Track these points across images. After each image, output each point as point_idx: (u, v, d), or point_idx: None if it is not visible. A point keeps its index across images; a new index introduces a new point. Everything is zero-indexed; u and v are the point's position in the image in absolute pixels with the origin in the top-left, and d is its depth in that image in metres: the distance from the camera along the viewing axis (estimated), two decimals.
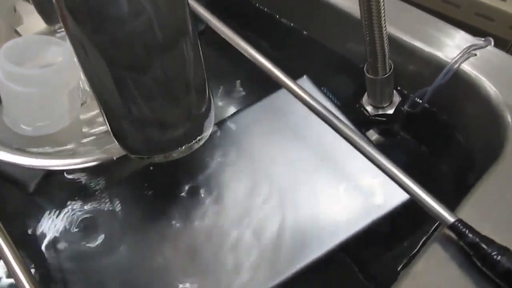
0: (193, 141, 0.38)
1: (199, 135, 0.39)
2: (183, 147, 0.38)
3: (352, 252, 0.44)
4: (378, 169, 0.43)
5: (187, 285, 0.40)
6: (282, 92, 0.49)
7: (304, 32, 0.57)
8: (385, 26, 0.39)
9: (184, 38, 0.31)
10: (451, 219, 0.33)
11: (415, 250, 0.41)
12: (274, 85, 0.49)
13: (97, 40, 0.29)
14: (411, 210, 0.43)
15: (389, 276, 0.43)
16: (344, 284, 0.44)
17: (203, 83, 0.36)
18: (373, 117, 0.49)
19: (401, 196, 0.43)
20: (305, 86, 0.46)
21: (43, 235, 0.46)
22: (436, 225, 0.42)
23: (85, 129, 0.49)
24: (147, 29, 0.29)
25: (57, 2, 0.28)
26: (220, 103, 0.55)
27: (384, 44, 0.41)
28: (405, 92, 0.50)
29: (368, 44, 0.41)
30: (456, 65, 0.44)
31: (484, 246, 0.31)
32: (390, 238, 0.45)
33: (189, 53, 0.32)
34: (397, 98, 0.48)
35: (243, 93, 0.55)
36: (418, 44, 0.47)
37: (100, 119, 0.49)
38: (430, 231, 0.42)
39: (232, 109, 0.54)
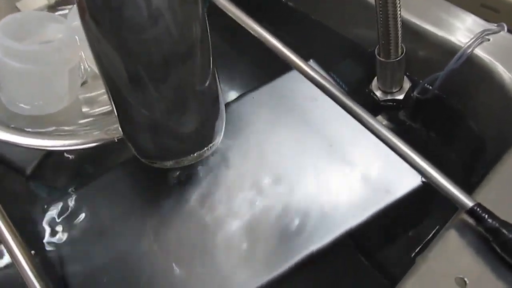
0: (205, 149, 0.38)
1: (211, 143, 0.38)
2: (195, 154, 0.38)
3: (360, 239, 0.43)
4: (388, 155, 0.42)
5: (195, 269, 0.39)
6: (291, 75, 0.48)
7: (312, 17, 0.56)
8: (399, 5, 0.38)
9: (200, 46, 0.31)
10: (469, 203, 0.32)
11: (429, 237, 0.40)
12: (279, 70, 0.49)
13: (115, 44, 0.29)
14: (421, 197, 0.42)
15: (398, 264, 0.42)
16: (352, 272, 0.43)
17: (217, 90, 0.35)
18: (382, 102, 0.47)
19: (412, 182, 0.41)
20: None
21: (40, 220, 0.44)
22: (446, 212, 0.42)
23: (85, 109, 0.47)
24: (165, 35, 0.28)
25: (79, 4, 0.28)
26: (225, 87, 0.53)
27: (398, 25, 0.40)
28: (415, 78, 0.49)
29: (381, 25, 0.40)
30: (470, 50, 0.43)
31: (504, 231, 0.30)
32: (400, 226, 0.44)
33: (204, 60, 0.32)
34: (407, 84, 0.47)
35: (249, 76, 0.54)
36: (429, 28, 0.46)
37: (100, 99, 0.47)
38: (442, 218, 0.41)
39: (237, 93, 0.52)
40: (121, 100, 0.34)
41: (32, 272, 0.29)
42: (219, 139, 0.39)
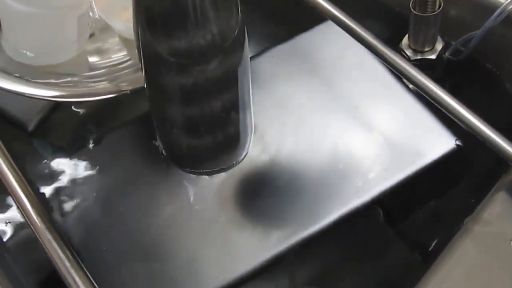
0: (233, 162, 0.36)
1: (241, 157, 0.37)
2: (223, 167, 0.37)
3: (388, 207, 0.40)
4: (420, 116, 0.40)
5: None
6: (315, 31, 0.46)
7: None
8: None
9: (241, 60, 0.30)
10: None
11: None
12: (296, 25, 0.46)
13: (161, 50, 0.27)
14: (455, 162, 0.40)
15: (427, 234, 0.40)
16: (378, 240, 0.41)
17: (250, 100, 0.34)
18: (412, 62, 0.45)
19: (446, 145, 0.39)
20: (334, 29, 0.42)
21: (43, 177, 0.41)
22: (480, 180, 0.39)
23: (92, 60, 0.43)
24: (208, 40, 0.27)
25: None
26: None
27: None
28: (446, 38, 0.46)
29: None
30: (511, 7, 0.40)
31: None
32: (430, 193, 0.41)
33: (244, 76, 0.31)
34: (440, 44, 0.45)
35: (270, 30, 0.51)
36: None
37: (109, 49, 0.44)
38: (476, 185, 0.39)
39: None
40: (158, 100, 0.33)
41: (49, 231, 0.26)
42: (245, 154, 0.37)
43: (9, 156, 0.30)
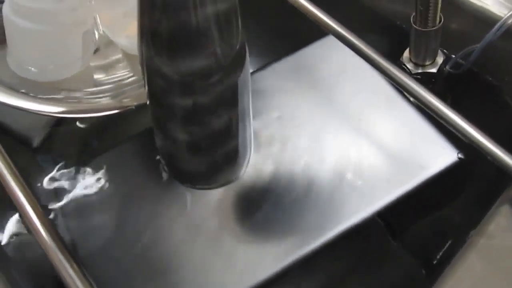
0: (234, 178, 0.37)
1: (241, 172, 0.37)
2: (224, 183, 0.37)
3: (390, 219, 0.41)
4: (422, 129, 0.40)
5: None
6: (317, 44, 0.46)
7: None
8: None
9: (242, 77, 0.30)
10: None
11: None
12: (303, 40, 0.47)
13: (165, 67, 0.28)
14: (457, 175, 0.40)
15: (431, 247, 0.40)
16: (381, 253, 0.41)
17: (250, 111, 0.34)
18: (413, 76, 0.45)
19: (448, 158, 0.39)
20: (335, 44, 0.42)
21: (48, 193, 0.41)
22: (482, 192, 0.39)
23: (97, 77, 0.44)
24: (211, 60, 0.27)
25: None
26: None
27: None
28: (446, 51, 0.47)
29: None
30: (511, 20, 0.41)
31: None
32: (433, 205, 0.42)
33: (245, 92, 0.32)
34: (440, 57, 0.45)
35: (272, 45, 0.51)
36: None
37: (114, 66, 0.44)
38: (479, 197, 0.39)
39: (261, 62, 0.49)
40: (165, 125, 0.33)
41: (52, 238, 0.26)
42: (244, 170, 0.38)
43: (17, 172, 0.30)
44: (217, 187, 0.38)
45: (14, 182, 0.28)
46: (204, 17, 0.26)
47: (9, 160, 0.30)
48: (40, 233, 0.27)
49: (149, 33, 0.27)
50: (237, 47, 0.28)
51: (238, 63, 0.29)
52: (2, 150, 0.31)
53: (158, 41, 0.27)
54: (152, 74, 0.29)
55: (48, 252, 0.26)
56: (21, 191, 0.28)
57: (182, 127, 0.32)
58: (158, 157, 0.41)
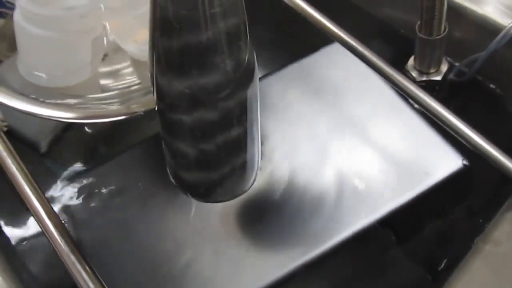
0: (242, 191, 0.37)
1: (249, 184, 0.37)
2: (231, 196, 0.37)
3: (396, 226, 0.41)
4: (427, 136, 0.41)
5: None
6: (323, 52, 0.47)
7: None
8: None
9: (251, 89, 0.30)
10: None
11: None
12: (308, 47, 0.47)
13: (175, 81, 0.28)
14: (462, 181, 0.40)
15: (436, 253, 0.40)
16: (387, 259, 0.41)
17: (258, 132, 0.35)
18: (418, 83, 0.46)
19: (453, 165, 0.40)
20: (340, 51, 0.43)
21: (55, 199, 0.41)
22: (487, 199, 0.40)
23: (104, 82, 0.44)
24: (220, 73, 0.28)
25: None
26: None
27: None
28: (449, 59, 0.47)
29: None
30: None
31: None
32: (438, 212, 0.42)
33: (254, 104, 0.32)
34: (445, 65, 0.45)
35: (277, 52, 0.52)
36: (469, 5, 0.44)
37: (121, 72, 0.45)
38: (483, 204, 0.39)
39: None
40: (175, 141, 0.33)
41: (65, 242, 0.27)
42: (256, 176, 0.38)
43: (30, 176, 0.30)
44: (225, 201, 0.39)
45: (27, 186, 0.29)
46: (215, 33, 0.26)
47: (23, 165, 0.31)
48: (54, 236, 0.27)
49: (160, 48, 0.27)
50: (246, 61, 0.28)
51: (247, 78, 0.29)
52: (16, 155, 0.31)
53: (168, 56, 0.27)
54: (162, 89, 0.30)
55: (62, 255, 0.26)
56: (35, 195, 0.28)
57: (191, 142, 0.33)
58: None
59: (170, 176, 0.38)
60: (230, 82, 0.28)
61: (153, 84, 0.30)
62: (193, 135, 0.32)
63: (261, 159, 0.39)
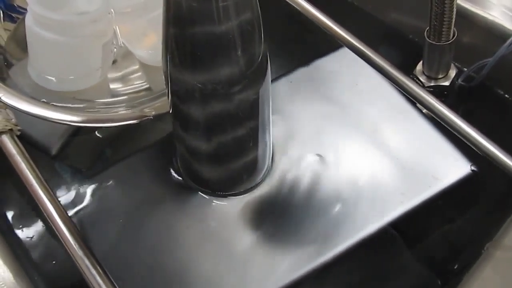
0: (252, 186, 0.38)
1: (259, 180, 0.39)
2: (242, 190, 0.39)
3: (405, 230, 0.41)
4: (435, 141, 0.41)
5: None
6: (330, 57, 0.47)
7: (349, 0, 0.54)
8: None
9: (264, 86, 0.31)
10: None
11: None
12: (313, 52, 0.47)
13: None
14: (469, 186, 0.40)
15: (445, 258, 0.40)
16: (396, 264, 0.41)
17: (270, 129, 0.36)
18: (426, 88, 0.46)
19: (461, 170, 0.40)
20: (349, 56, 0.43)
21: (66, 200, 0.42)
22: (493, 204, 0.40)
23: (113, 87, 0.45)
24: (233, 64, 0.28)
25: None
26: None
27: (454, 5, 0.38)
28: (457, 65, 0.47)
29: (436, 5, 0.38)
30: None
31: None
32: (446, 216, 0.42)
33: (266, 101, 0.33)
34: (453, 70, 0.45)
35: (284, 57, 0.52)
36: (478, 11, 0.44)
37: (130, 77, 0.45)
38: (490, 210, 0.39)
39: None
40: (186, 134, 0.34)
41: (79, 246, 0.27)
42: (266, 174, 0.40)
43: (43, 179, 0.31)
44: (235, 195, 0.39)
45: (42, 191, 0.29)
46: (228, 28, 0.26)
47: (37, 170, 0.31)
48: (68, 239, 0.27)
49: (173, 41, 0.28)
50: (260, 57, 0.29)
51: (260, 73, 0.30)
52: (30, 160, 0.32)
53: (181, 49, 0.28)
54: (176, 83, 0.30)
55: (75, 257, 0.27)
56: (49, 199, 0.29)
57: (204, 135, 0.33)
58: (175, 165, 0.42)
59: (182, 172, 0.39)
60: (243, 77, 0.29)
61: (166, 78, 0.30)
62: (206, 128, 0.32)
63: (272, 157, 0.40)
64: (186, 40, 0.27)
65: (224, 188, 0.39)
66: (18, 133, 0.33)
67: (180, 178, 0.41)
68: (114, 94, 0.45)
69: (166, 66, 0.30)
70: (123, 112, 0.40)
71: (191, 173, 0.39)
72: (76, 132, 0.46)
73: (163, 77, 0.31)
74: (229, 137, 0.33)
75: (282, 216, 0.39)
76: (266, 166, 0.39)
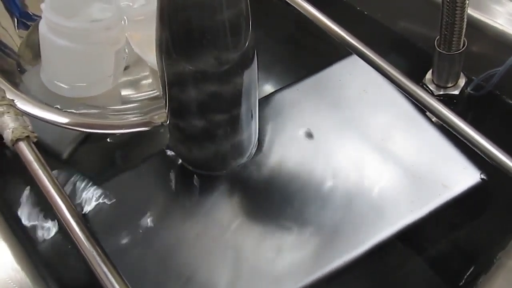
0: (244, 158, 0.40)
1: (249, 152, 0.41)
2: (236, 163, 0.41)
3: (415, 239, 0.41)
4: (444, 150, 0.41)
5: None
6: (337, 66, 0.47)
7: (358, 8, 0.54)
8: None
9: (250, 76, 0.34)
10: None
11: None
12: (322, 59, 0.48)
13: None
14: (479, 195, 0.40)
15: (455, 266, 0.40)
16: (405, 272, 0.41)
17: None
18: (436, 97, 0.46)
19: (471, 179, 0.40)
20: (358, 63, 0.43)
21: (77, 205, 0.42)
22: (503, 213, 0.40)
23: (124, 93, 0.45)
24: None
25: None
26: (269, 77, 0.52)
27: (465, 16, 0.38)
28: (467, 74, 0.47)
29: (447, 15, 0.38)
30: None
31: None
32: (457, 225, 0.42)
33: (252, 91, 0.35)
34: (463, 79, 0.46)
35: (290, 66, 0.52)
36: (488, 21, 0.44)
37: (141, 83, 0.46)
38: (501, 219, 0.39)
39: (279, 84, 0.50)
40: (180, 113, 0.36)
41: (94, 248, 0.27)
42: (255, 148, 0.41)
43: (57, 182, 0.31)
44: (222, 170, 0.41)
45: (58, 196, 0.29)
46: (219, 18, 0.29)
47: (54, 177, 0.31)
48: (83, 242, 0.27)
49: (165, 28, 0.30)
50: (245, 45, 0.32)
51: (245, 61, 0.32)
52: (47, 166, 0.32)
53: (176, 37, 0.30)
54: (170, 68, 0.33)
55: (89, 259, 0.27)
56: (65, 204, 0.29)
57: (197, 115, 0.35)
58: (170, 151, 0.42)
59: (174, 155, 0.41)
60: (229, 62, 0.31)
61: (160, 63, 0.33)
62: (198, 108, 0.35)
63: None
64: (178, 27, 0.30)
65: (213, 167, 0.40)
66: (35, 140, 0.34)
67: (192, 182, 0.41)
68: (125, 101, 0.46)
69: (159, 48, 0.32)
70: (134, 119, 0.40)
71: (182, 154, 0.41)
72: (87, 137, 0.46)
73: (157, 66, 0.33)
74: (217, 118, 0.36)
75: (289, 226, 0.39)
76: (252, 144, 0.41)
